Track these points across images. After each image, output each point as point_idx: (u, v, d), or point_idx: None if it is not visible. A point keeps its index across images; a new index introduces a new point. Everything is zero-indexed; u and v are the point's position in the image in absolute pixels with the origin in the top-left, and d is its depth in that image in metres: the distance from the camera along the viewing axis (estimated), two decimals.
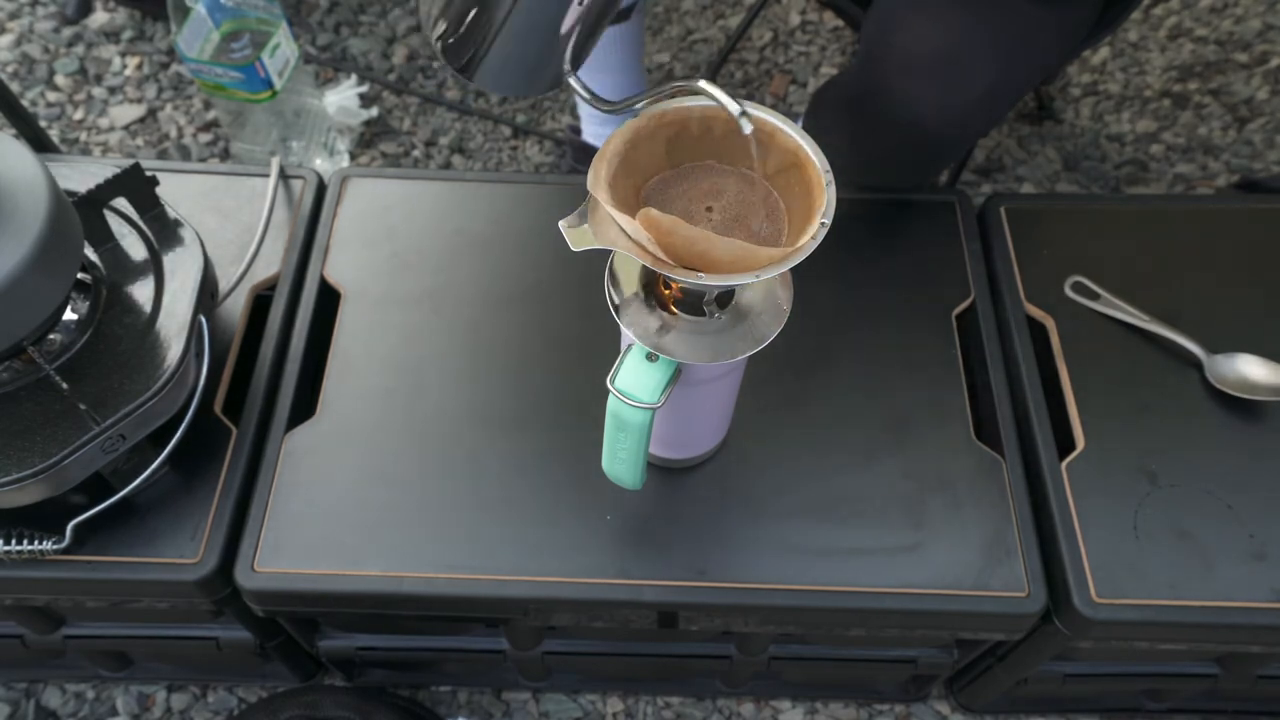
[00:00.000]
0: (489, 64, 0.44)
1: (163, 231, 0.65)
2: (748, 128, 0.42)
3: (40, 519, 0.60)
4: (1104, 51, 1.30)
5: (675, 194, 0.46)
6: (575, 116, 1.17)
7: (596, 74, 1.04)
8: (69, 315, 0.61)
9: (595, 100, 0.45)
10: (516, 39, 0.43)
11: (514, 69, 0.45)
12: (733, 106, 0.41)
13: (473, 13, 0.44)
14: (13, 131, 0.98)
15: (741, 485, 0.65)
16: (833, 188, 0.43)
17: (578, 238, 0.43)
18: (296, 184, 0.78)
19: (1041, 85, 1.22)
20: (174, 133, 1.22)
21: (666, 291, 0.49)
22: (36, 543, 0.59)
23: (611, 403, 0.49)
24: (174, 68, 1.27)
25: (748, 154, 0.46)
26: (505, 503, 0.64)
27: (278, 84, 1.05)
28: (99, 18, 1.32)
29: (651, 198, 0.46)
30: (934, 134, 0.70)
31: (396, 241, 0.75)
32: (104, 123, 1.23)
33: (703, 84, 0.42)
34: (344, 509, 0.63)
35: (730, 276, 0.42)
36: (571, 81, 0.45)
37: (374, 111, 1.23)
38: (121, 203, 0.64)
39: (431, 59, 1.30)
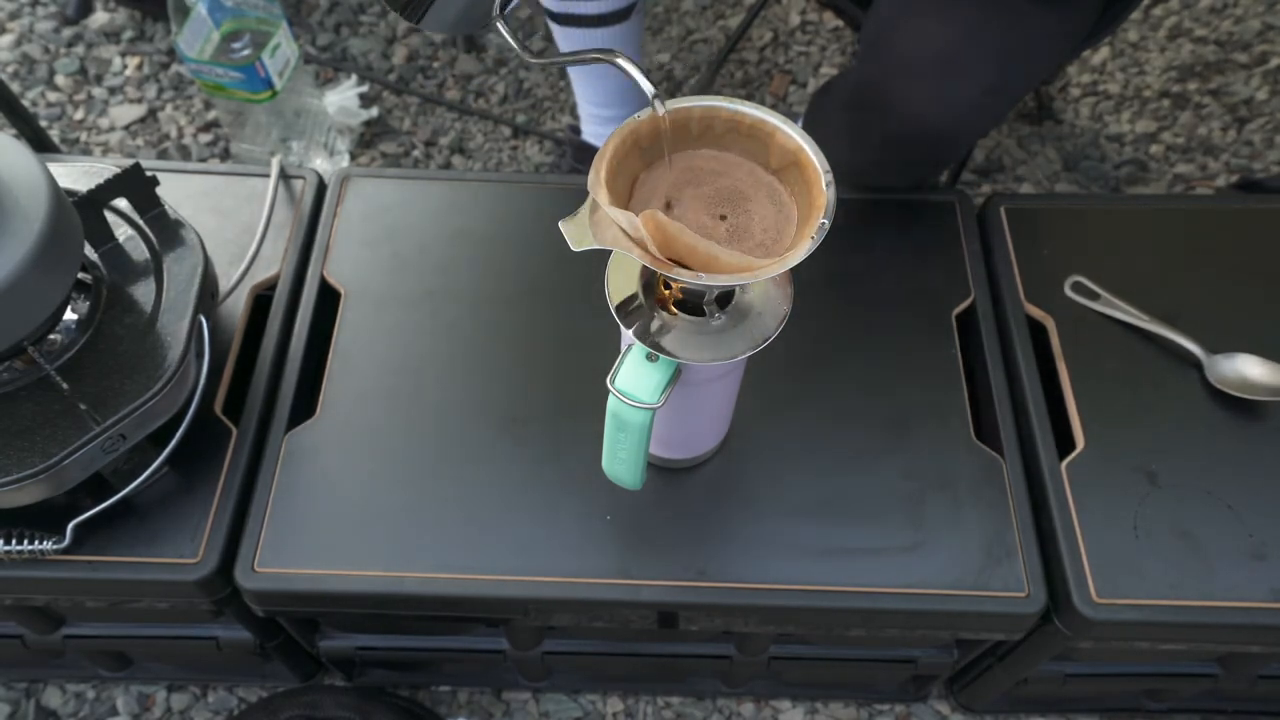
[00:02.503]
0: (433, 7, 0.47)
1: (163, 231, 0.65)
2: (661, 109, 0.43)
3: (40, 519, 0.60)
4: (1104, 51, 1.30)
5: (671, 184, 0.46)
6: (575, 116, 1.17)
7: (597, 75, 1.04)
8: (69, 315, 0.61)
9: (522, 50, 0.47)
10: None
11: (450, 10, 0.48)
12: (645, 86, 0.42)
13: None
14: (13, 131, 0.98)
15: (741, 485, 0.65)
16: (833, 188, 0.43)
17: (578, 238, 0.43)
18: (296, 184, 0.78)
19: (1041, 85, 1.22)
20: (174, 133, 1.22)
21: (666, 291, 0.49)
22: (36, 543, 0.59)
23: (611, 403, 0.49)
24: (174, 68, 1.28)
25: (749, 151, 0.46)
26: (505, 503, 0.64)
27: (278, 84, 1.05)
28: (99, 18, 1.32)
29: (649, 197, 0.46)
30: (934, 134, 0.70)
31: (396, 241, 0.75)
32: (104, 123, 1.23)
33: (620, 61, 0.42)
34: (344, 509, 0.63)
35: (730, 276, 0.42)
36: (499, 26, 0.48)
37: (374, 111, 1.23)
38: (121, 203, 0.64)
39: (431, 59, 1.30)
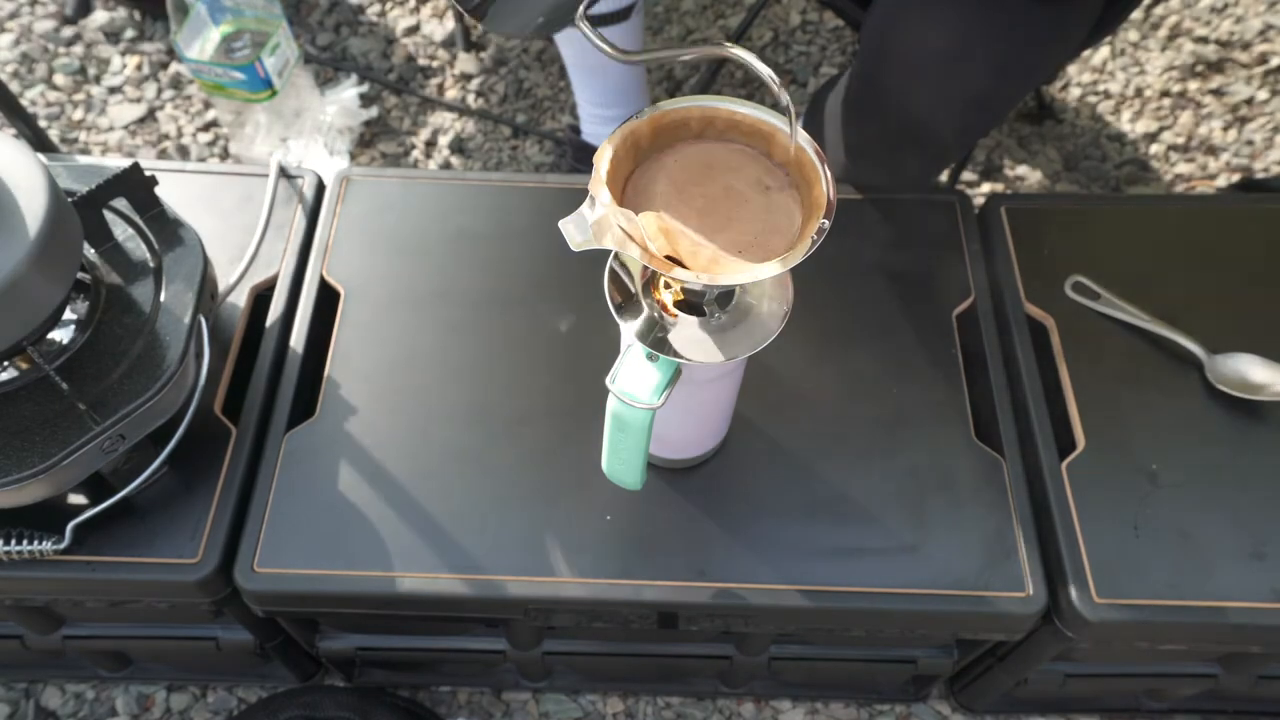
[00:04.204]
0: (500, 4, 0.44)
1: (163, 231, 0.65)
2: (785, 98, 0.42)
3: (40, 519, 0.60)
4: (1104, 51, 1.30)
5: (670, 178, 0.46)
6: (575, 116, 1.17)
7: (596, 74, 1.04)
8: (69, 315, 0.61)
9: (613, 50, 0.44)
10: None
11: (525, 9, 0.45)
12: (766, 73, 0.40)
13: None
14: (13, 131, 0.98)
15: (741, 485, 0.65)
16: (833, 188, 0.43)
17: (578, 238, 0.42)
18: (296, 184, 0.78)
19: (1041, 85, 1.22)
20: (174, 133, 1.22)
21: (666, 291, 0.49)
22: (36, 543, 0.59)
23: (611, 403, 0.49)
24: (174, 67, 1.27)
25: (752, 147, 0.46)
26: (505, 503, 0.64)
27: (278, 84, 1.05)
28: (99, 17, 1.32)
29: (649, 190, 0.46)
30: (934, 134, 0.70)
31: (396, 241, 0.75)
32: (104, 122, 1.23)
33: (734, 49, 0.41)
34: (344, 509, 0.63)
35: (730, 277, 0.42)
36: (582, 25, 0.45)
37: (374, 111, 1.23)
38: (121, 203, 0.64)
39: (431, 59, 1.30)
